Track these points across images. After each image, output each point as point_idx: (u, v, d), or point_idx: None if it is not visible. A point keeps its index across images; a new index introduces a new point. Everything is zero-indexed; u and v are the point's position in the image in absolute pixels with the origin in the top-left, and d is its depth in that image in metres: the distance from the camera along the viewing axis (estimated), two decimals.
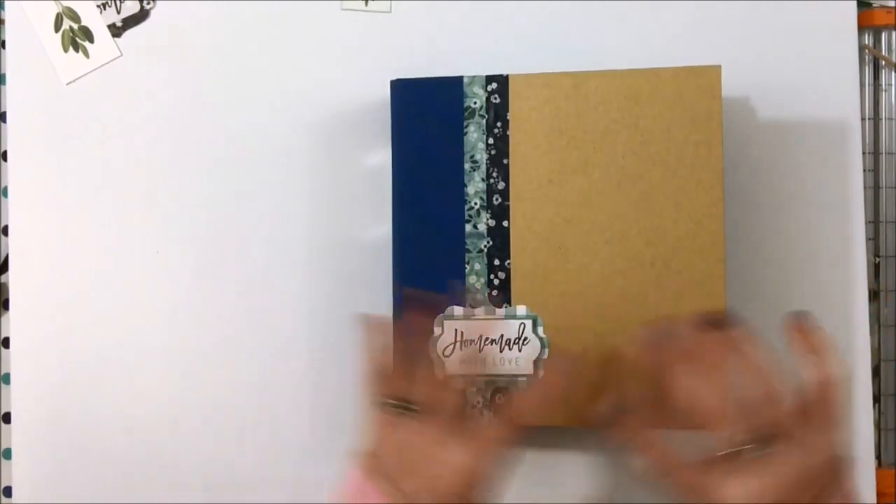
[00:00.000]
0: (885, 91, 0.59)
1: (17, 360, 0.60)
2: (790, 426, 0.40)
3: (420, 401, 0.44)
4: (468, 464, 0.42)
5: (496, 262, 0.52)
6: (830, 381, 0.41)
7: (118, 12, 0.60)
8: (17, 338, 0.60)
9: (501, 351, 0.52)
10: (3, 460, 0.61)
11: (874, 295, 0.58)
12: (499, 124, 0.52)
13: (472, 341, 0.52)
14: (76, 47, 0.60)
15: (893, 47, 0.59)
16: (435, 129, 0.53)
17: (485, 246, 0.52)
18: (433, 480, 0.42)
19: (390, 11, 0.59)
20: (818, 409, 0.40)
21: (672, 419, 0.43)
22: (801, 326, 0.42)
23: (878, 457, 0.57)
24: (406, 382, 0.45)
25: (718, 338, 0.43)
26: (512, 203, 0.52)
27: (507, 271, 0.52)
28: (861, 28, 0.57)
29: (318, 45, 0.59)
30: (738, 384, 0.41)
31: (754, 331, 0.43)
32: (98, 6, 0.60)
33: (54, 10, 0.60)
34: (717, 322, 0.43)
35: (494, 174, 0.52)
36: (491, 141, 0.52)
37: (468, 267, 0.52)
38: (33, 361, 0.60)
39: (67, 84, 0.60)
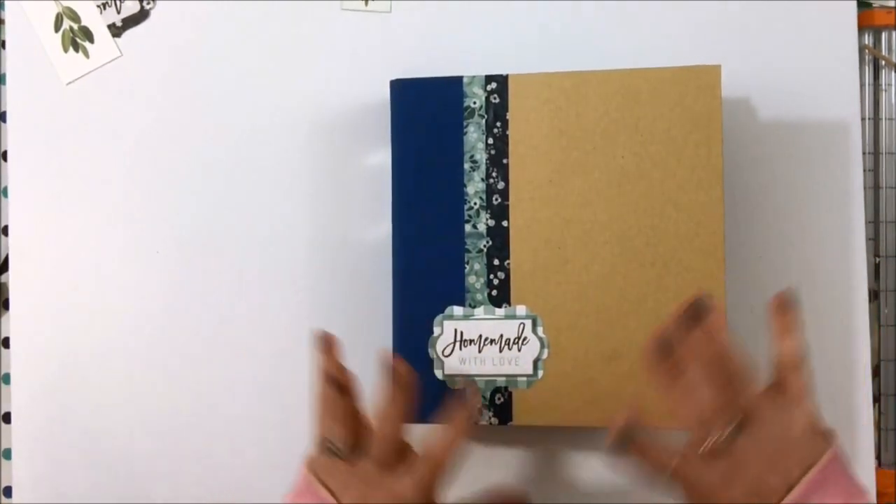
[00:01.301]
0: (885, 91, 0.59)
1: (17, 360, 0.60)
2: (761, 405, 0.41)
3: (345, 442, 0.44)
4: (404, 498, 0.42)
5: (496, 261, 0.52)
6: (801, 355, 0.42)
7: (118, 12, 0.60)
8: (17, 338, 0.60)
9: (501, 351, 0.52)
10: (3, 460, 0.61)
11: (874, 295, 0.58)
12: (498, 124, 0.52)
13: (472, 341, 0.52)
14: (76, 47, 0.60)
15: (893, 47, 0.59)
16: (435, 129, 0.53)
17: (484, 246, 0.52)
18: None
19: (390, 11, 0.59)
20: (790, 383, 0.42)
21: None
22: (782, 304, 0.43)
23: (878, 457, 0.57)
24: (331, 422, 0.44)
25: (699, 331, 0.43)
26: (511, 203, 0.52)
27: (507, 271, 0.52)
28: (861, 28, 0.57)
29: (318, 46, 0.59)
30: (710, 374, 0.42)
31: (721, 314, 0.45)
32: (98, 6, 0.60)
33: (54, 10, 0.60)
34: (695, 314, 0.43)
35: (494, 174, 0.52)
36: (490, 141, 0.52)
37: (468, 267, 0.52)
38: (33, 361, 0.60)
39: (67, 84, 0.60)
